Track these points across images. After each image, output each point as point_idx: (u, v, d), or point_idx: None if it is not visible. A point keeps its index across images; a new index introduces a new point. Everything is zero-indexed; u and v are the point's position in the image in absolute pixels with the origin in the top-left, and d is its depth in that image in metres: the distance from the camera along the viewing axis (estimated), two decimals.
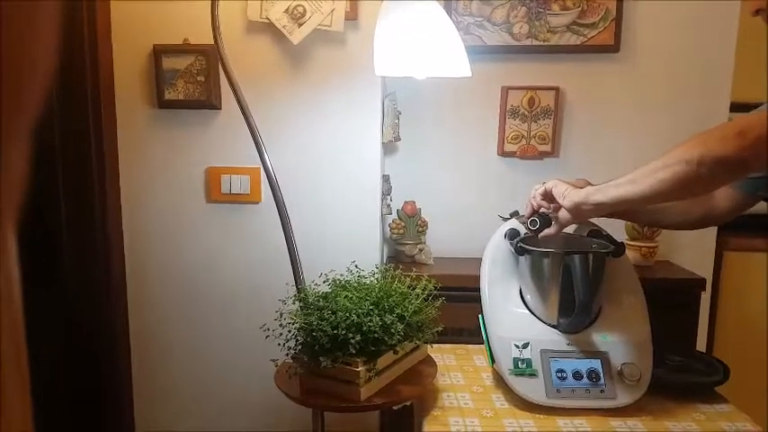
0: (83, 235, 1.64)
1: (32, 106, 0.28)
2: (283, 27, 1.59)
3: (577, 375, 1.14)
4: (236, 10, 1.62)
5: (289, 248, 1.39)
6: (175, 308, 1.78)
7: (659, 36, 1.84)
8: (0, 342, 0.29)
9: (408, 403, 1.15)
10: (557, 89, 1.86)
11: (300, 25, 1.59)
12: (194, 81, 1.64)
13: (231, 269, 1.76)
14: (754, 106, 1.05)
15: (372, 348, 1.07)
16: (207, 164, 1.71)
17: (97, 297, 1.68)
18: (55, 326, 1.63)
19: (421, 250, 1.86)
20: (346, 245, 1.72)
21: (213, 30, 1.34)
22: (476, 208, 1.93)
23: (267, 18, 1.60)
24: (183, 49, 1.63)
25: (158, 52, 1.64)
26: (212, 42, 1.37)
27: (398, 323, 1.09)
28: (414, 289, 1.19)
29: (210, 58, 1.62)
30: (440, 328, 1.19)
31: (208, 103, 1.65)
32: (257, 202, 1.72)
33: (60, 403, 1.68)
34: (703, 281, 1.77)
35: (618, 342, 1.17)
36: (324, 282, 1.25)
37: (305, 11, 1.58)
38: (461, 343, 1.48)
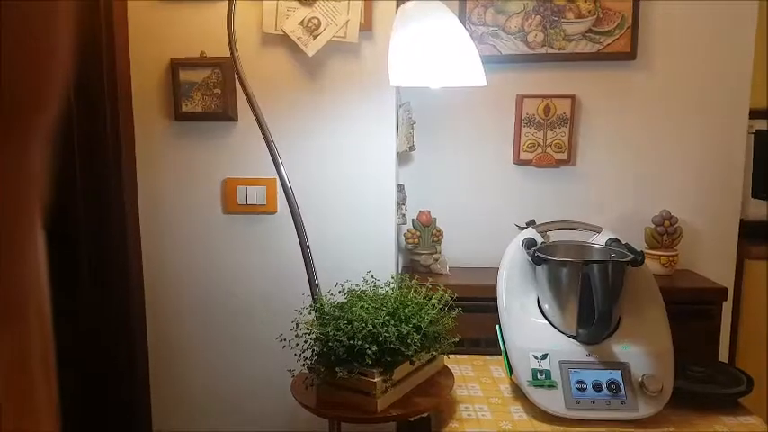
0: (101, 246, 1.66)
1: (52, 103, 0.28)
2: (298, 39, 1.60)
3: (597, 386, 1.12)
4: (251, 23, 1.64)
5: (304, 258, 1.39)
6: (192, 317, 1.79)
7: (676, 43, 1.83)
8: (30, 341, 0.29)
9: (425, 415, 1.14)
10: (572, 97, 1.85)
11: (315, 37, 1.60)
12: (211, 93, 1.66)
13: (248, 279, 1.76)
14: None
15: (389, 359, 1.07)
16: (224, 175, 1.73)
17: (115, 306, 1.70)
18: (74, 333, 1.65)
19: (436, 260, 1.85)
20: (361, 255, 1.72)
21: (229, 43, 1.36)
22: (492, 217, 1.92)
23: (282, 30, 1.61)
24: (200, 62, 1.65)
25: (175, 65, 1.66)
26: (228, 55, 1.38)
27: (415, 333, 1.08)
28: (430, 299, 1.19)
29: (227, 70, 1.63)
30: (456, 339, 1.19)
31: (224, 115, 1.67)
32: (273, 213, 1.73)
33: (79, 404, 1.69)
34: (725, 290, 1.74)
35: (638, 353, 1.15)
36: (339, 292, 1.25)
37: (319, 23, 1.59)
38: (479, 354, 1.47)
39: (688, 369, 1.22)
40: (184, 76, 1.66)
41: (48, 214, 0.30)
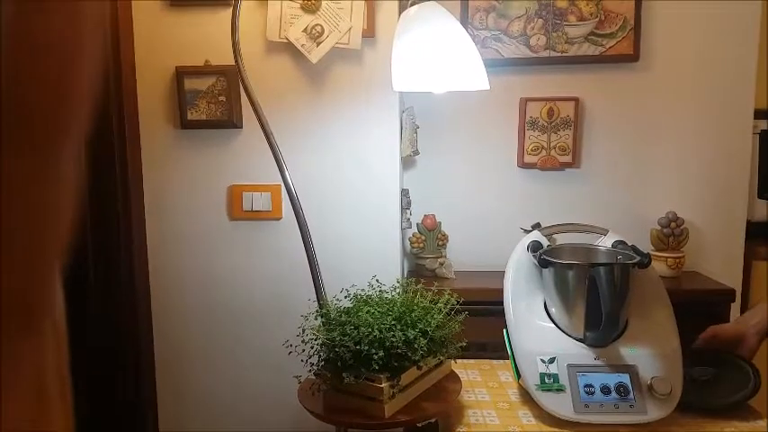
0: (108, 252, 1.67)
1: (83, 100, 0.27)
2: (302, 46, 1.61)
3: (605, 390, 1.12)
4: (255, 31, 1.65)
5: (310, 264, 1.39)
6: (198, 323, 1.79)
7: (679, 44, 1.83)
8: (46, 354, 0.29)
9: (433, 420, 1.14)
10: (576, 99, 1.85)
11: (319, 44, 1.60)
12: (216, 101, 1.67)
13: (253, 285, 1.77)
14: None
15: (395, 364, 1.06)
16: (229, 182, 1.73)
17: (123, 313, 1.70)
18: (83, 338, 1.66)
19: (441, 264, 1.85)
20: (367, 260, 1.72)
21: (234, 51, 1.36)
22: (497, 220, 1.91)
23: (286, 38, 1.62)
24: (205, 71, 1.66)
25: (180, 74, 1.67)
26: (233, 63, 1.39)
27: (421, 338, 1.08)
28: (436, 303, 1.18)
29: (231, 78, 1.64)
30: (464, 343, 1.18)
31: (229, 122, 1.68)
32: (278, 219, 1.73)
33: (89, 408, 1.69)
34: (732, 291, 1.73)
35: (646, 355, 1.15)
36: (345, 297, 1.25)
37: (323, 30, 1.60)
38: (486, 358, 1.47)
39: (695, 373, 1.21)
40: (189, 84, 1.67)
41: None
